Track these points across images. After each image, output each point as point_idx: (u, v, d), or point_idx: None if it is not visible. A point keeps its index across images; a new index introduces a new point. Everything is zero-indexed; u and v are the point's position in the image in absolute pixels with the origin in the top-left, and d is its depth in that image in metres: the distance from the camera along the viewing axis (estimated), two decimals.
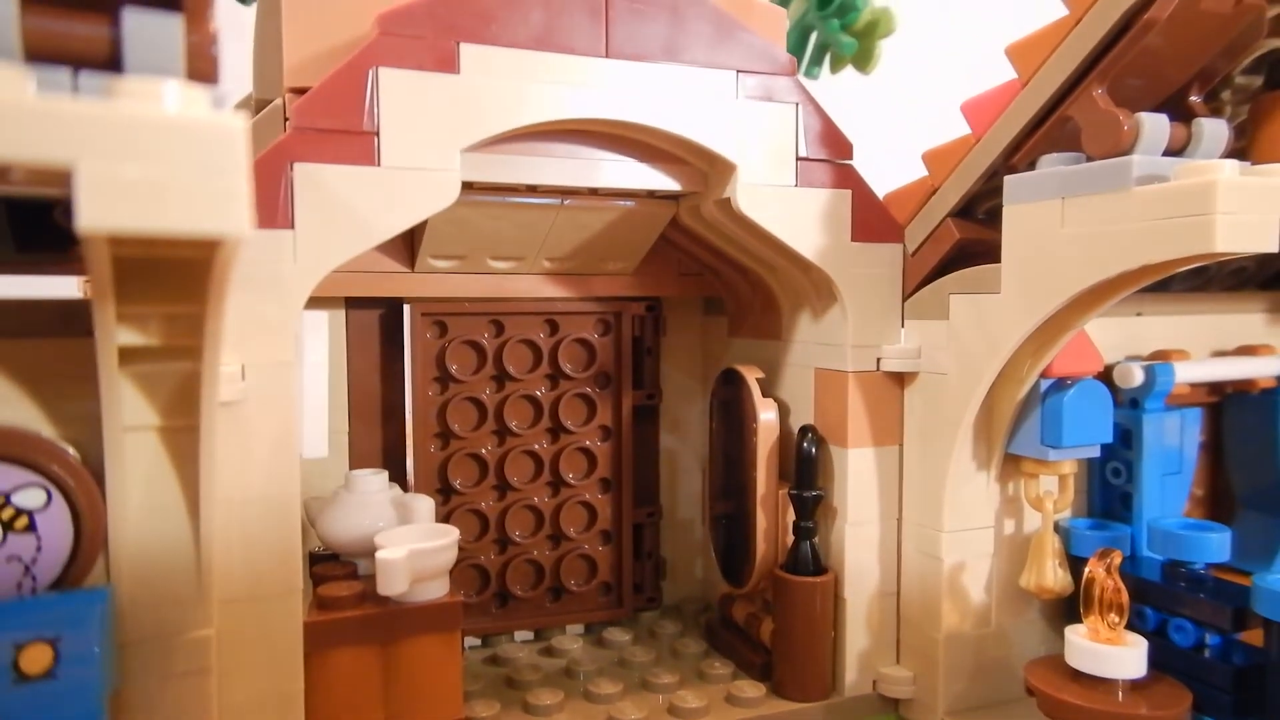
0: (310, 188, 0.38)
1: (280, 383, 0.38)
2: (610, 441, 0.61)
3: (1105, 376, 0.49)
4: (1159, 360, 0.51)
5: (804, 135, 0.47)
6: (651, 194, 0.51)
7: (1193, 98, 0.40)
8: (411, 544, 0.41)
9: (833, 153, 0.48)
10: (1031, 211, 0.42)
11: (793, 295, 0.54)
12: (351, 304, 0.57)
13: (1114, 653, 0.41)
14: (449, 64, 0.40)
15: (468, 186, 0.47)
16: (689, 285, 0.61)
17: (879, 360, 0.50)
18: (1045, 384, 0.45)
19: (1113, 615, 0.42)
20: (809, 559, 0.51)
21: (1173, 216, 0.34)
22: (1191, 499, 0.58)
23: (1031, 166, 0.42)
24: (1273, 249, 0.34)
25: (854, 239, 0.49)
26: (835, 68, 0.85)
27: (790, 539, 0.51)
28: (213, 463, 0.33)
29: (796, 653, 0.50)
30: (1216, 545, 0.44)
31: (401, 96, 0.39)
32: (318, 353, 0.44)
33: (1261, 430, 0.53)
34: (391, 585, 0.40)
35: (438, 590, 0.43)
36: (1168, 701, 0.41)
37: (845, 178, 0.48)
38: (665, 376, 0.65)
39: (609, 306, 0.60)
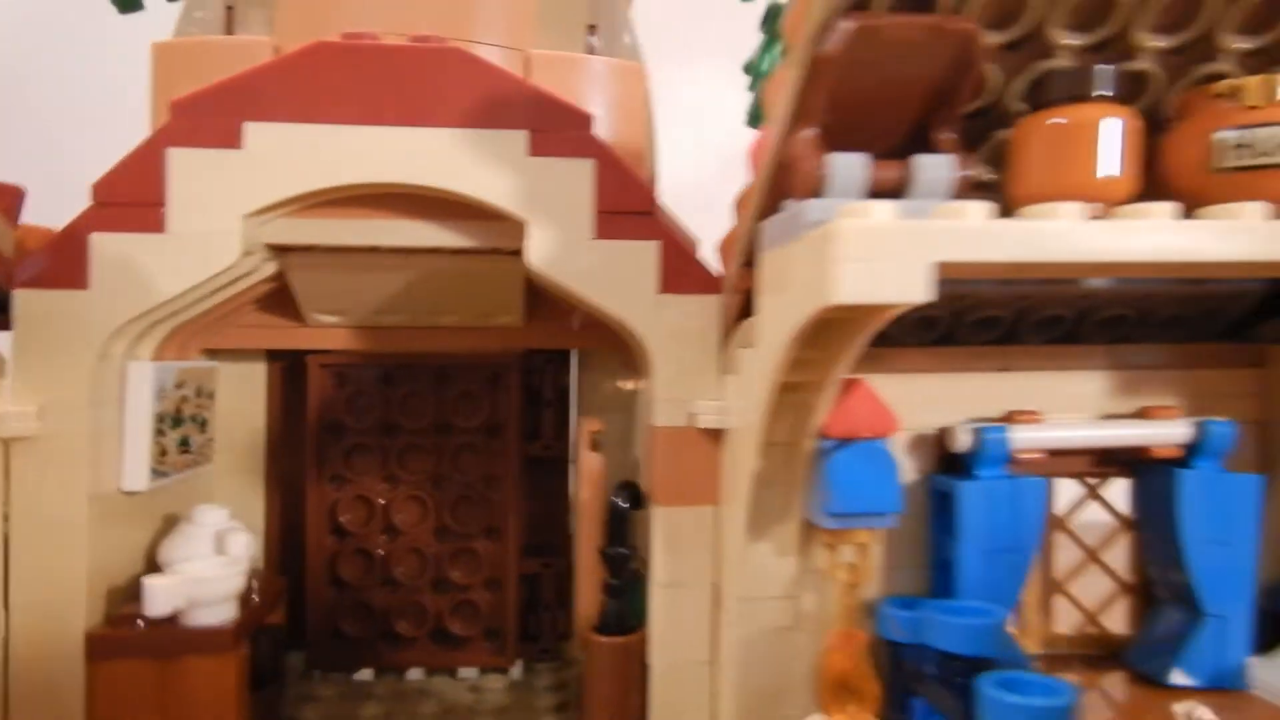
0: (104, 254, 0.44)
1: (75, 422, 0.44)
2: (499, 491, 0.62)
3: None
4: (1014, 421, 0.45)
5: (601, 189, 0.47)
6: (496, 250, 0.53)
7: (940, 133, 0.37)
8: (186, 573, 0.45)
9: (634, 204, 0.47)
10: (769, 259, 0.39)
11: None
12: (271, 355, 0.63)
13: None
14: (233, 141, 0.45)
15: (310, 249, 0.52)
16: (576, 338, 0.62)
17: (694, 416, 0.48)
18: (828, 445, 0.42)
19: (851, 705, 0.38)
20: (614, 618, 0.49)
21: (814, 265, 0.32)
22: (1122, 587, 0.50)
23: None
24: (919, 299, 0.30)
25: (662, 291, 0.48)
26: None
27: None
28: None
29: (600, 714, 0.49)
30: (949, 631, 0.39)
31: (188, 171, 0.44)
32: (142, 398, 0.49)
33: (1159, 508, 0.45)
34: (153, 607, 0.44)
35: (219, 616, 0.46)
36: None
37: (651, 229, 0.48)
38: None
39: (499, 359, 0.62)
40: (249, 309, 0.59)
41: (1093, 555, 0.50)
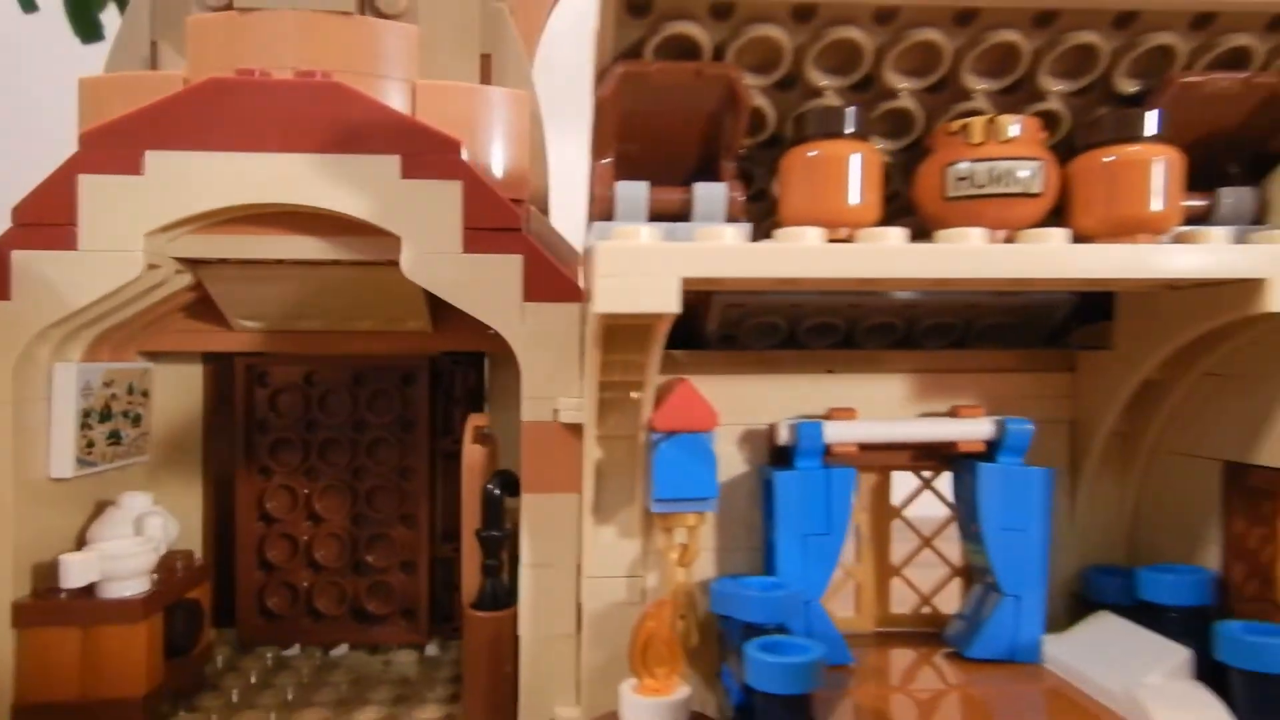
0: (23, 269, 0.50)
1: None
2: (412, 482, 0.68)
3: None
4: (831, 418, 0.49)
5: (469, 208, 0.52)
6: (391, 262, 0.59)
7: (721, 162, 0.41)
8: (101, 550, 0.51)
9: (499, 222, 0.53)
10: (582, 274, 0.44)
11: None
12: (207, 358, 0.69)
13: (646, 704, 0.42)
14: (135, 168, 0.50)
15: (222, 263, 0.58)
16: (487, 341, 0.67)
17: (557, 412, 0.53)
18: (655, 438, 0.47)
19: (660, 669, 0.43)
20: (490, 596, 0.54)
21: (589, 279, 0.37)
22: (954, 571, 0.55)
23: None
24: (669, 310, 0.35)
25: (527, 299, 0.53)
26: None
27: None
28: None
29: (477, 685, 0.54)
30: (750, 604, 0.43)
31: (96, 195, 0.50)
32: (67, 395, 0.55)
33: (967, 498, 0.49)
34: (68, 580, 0.50)
35: (132, 590, 0.52)
36: None
37: (515, 244, 0.53)
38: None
39: (409, 361, 0.67)
40: (180, 315, 0.65)
41: (926, 541, 0.55)
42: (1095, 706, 0.42)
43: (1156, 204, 0.36)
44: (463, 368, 0.69)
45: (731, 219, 0.40)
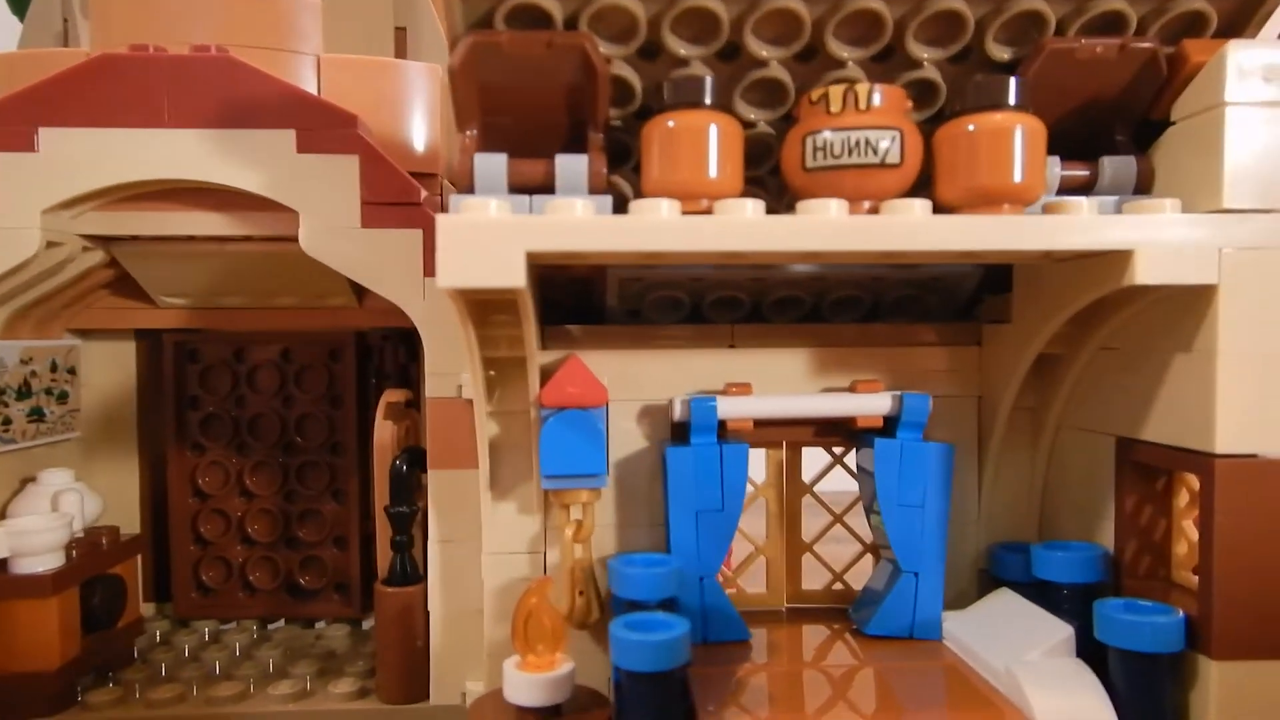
0: None
1: None
2: (342, 457, 0.68)
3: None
4: (730, 394, 0.49)
5: (366, 182, 0.51)
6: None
7: (588, 132, 0.40)
8: (9, 527, 0.51)
9: (398, 196, 0.52)
10: None
11: None
12: (139, 335, 0.69)
13: (525, 680, 0.42)
14: (28, 145, 0.50)
15: (133, 239, 0.58)
16: None
17: (459, 388, 0.53)
18: (545, 414, 0.46)
19: (540, 644, 0.43)
20: (400, 571, 0.54)
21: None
22: (865, 548, 0.54)
23: None
24: (513, 284, 0.35)
25: (429, 274, 0.52)
26: None
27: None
28: None
29: (390, 660, 0.54)
30: (630, 581, 0.43)
31: None
32: None
33: (867, 474, 0.48)
34: None
35: (44, 565, 0.52)
36: None
37: (416, 218, 0.52)
38: None
39: (336, 337, 0.67)
40: (106, 293, 0.65)
41: (837, 518, 0.54)
42: (982, 684, 0.41)
43: (1018, 174, 0.35)
44: (392, 343, 0.69)
45: (596, 191, 0.39)
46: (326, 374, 0.67)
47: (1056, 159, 0.39)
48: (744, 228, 0.35)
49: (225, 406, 0.67)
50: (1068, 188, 0.39)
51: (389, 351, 0.69)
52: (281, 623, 0.68)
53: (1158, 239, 0.35)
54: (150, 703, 0.54)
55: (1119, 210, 0.37)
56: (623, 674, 0.38)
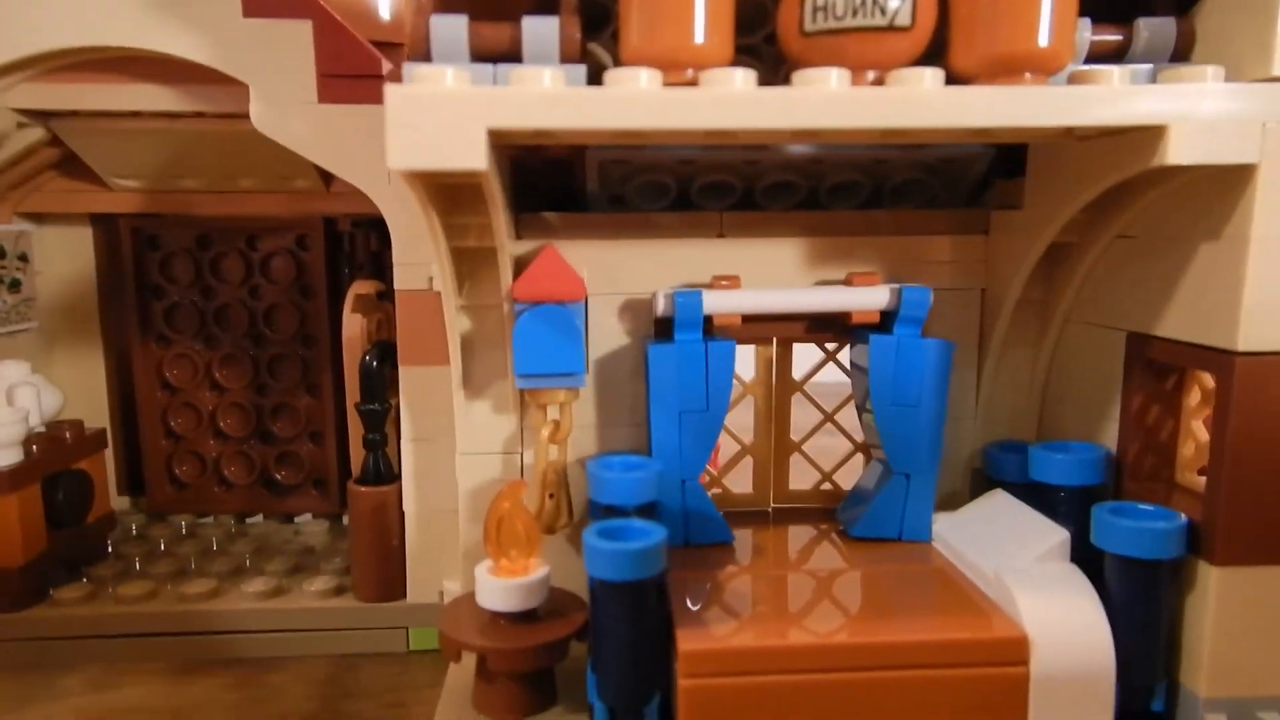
0: None
1: None
2: (314, 350, 0.65)
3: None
4: (717, 287, 0.46)
5: (321, 51, 0.47)
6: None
7: None
8: None
9: (358, 68, 0.47)
10: None
11: None
12: (96, 220, 0.65)
13: (498, 585, 0.40)
14: None
15: (73, 115, 0.53)
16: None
17: (430, 279, 0.49)
18: (519, 309, 0.43)
19: (514, 549, 0.41)
20: (373, 470, 0.53)
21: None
22: (856, 447, 0.52)
23: None
24: (474, 166, 0.31)
25: None
26: None
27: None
28: None
29: (364, 559, 0.53)
30: (606, 486, 0.41)
31: None
32: None
33: (861, 372, 0.46)
34: None
35: (3, 460, 0.50)
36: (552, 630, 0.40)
37: (378, 92, 0.47)
38: None
39: (303, 223, 0.63)
40: (56, 175, 0.60)
41: (828, 416, 0.52)
42: (971, 588, 0.40)
43: (1044, 37, 0.31)
44: (363, 230, 0.65)
45: (568, 60, 0.35)
46: (294, 263, 0.64)
47: (1087, 21, 0.34)
48: (732, 101, 0.31)
49: (190, 296, 0.64)
50: (1098, 54, 0.35)
51: (360, 239, 0.65)
52: (260, 518, 0.67)
53: (1195, 112, 0.31)
54: (121, 599, 0.53)
55: (1154, 79, 0.33)
56: (596, 582, 0.36)
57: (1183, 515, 0.36)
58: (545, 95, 0.31)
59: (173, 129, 0.54)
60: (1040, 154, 0.42)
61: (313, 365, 0.65)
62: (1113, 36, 0.35)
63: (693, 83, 0.33)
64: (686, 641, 0.35)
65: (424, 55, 0.35)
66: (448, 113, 0.30)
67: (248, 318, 0.64)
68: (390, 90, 0.30)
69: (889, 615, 0.38)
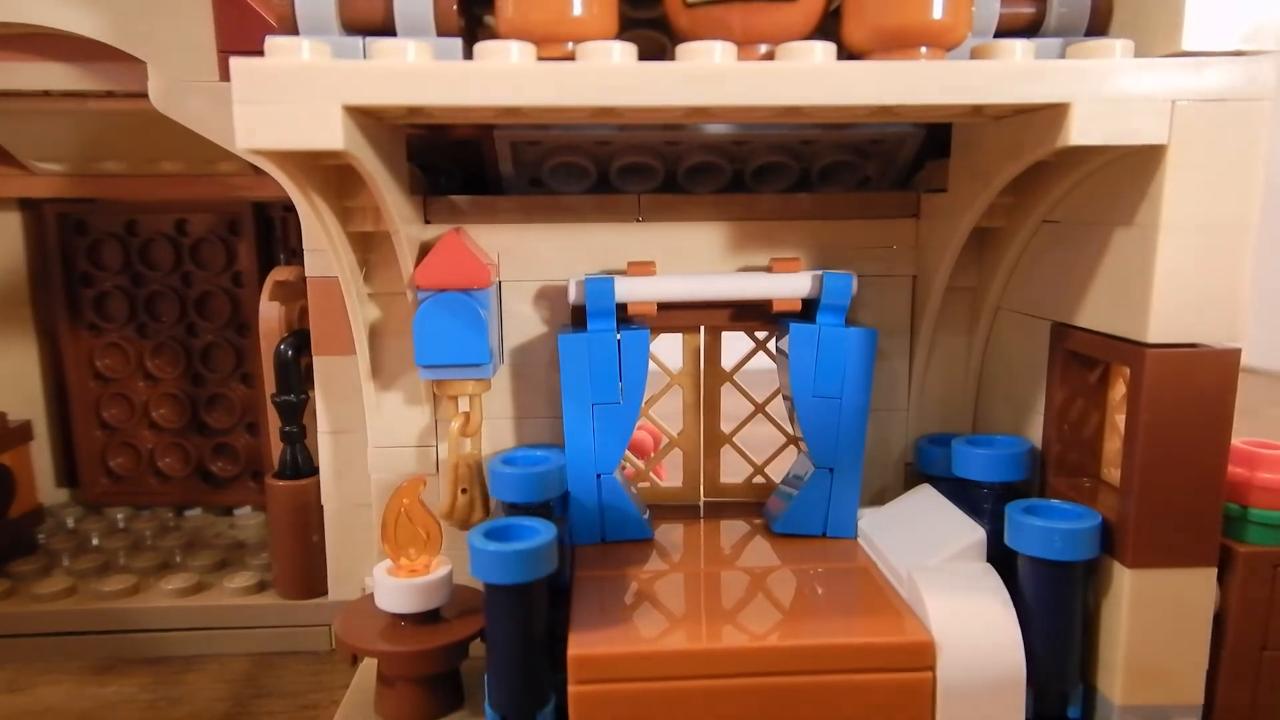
0: None
1: None
2: (249, 338, 0.63)
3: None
4: (631, 273, 0.44)
5: (223, 28, 0.45)
6: None
7: None
8: None
9: (261, 44, 0.45)
10: None
11: None
12: (24, 206, 0.64)
13: (396, 585, 0.39)
14: None
15: None
16: None
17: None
18: (422, 296, 0.42)
19: (412, 548, 0.39)
20: (291, 464, 0.51)
21: None
22: (789, 439, 0.50)
23: None
24: (331, 145, 0.29)
25: None
26: None
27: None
28: None
29: (284, 554, 0.52)
30: (505, 482, 0.39)
31: None
32: None
33: (783, 362, 0.44)
34: None
35: None
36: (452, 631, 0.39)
37: None
38: None
39: (232, 208, 0.61)
40: None
41: (759, 408, 0.50)
42: (887, 587, 0.38)
43: (937, 10, 0.29)
44: (295, 215, 0.63)
45: (446, 33, 0.33)
46: (225, 249, 0.62)
47: None
48: (605, 77, 0.29)
49: (119, 283, 0.63)
50: (1009, 28, 0.33)
51: (293, 225, 0.63)
52: (199, 510, 0.66)
53: (1099, 90, 0.29)
54: (37, 597, 0.52)
55: (1063, 55, 0.31)
56: (485, 585, 0.35)
57: (1101, 514, 0.34)
58: (405, 70, 0.29)
59: (85, 109, 0.52)
60: (963, 134, 0.40)
61: (247, 355, 0.63)
62: (1025, 9, 0.33)
63: (570, 57, 0.31)
64: (578, 646, 0.34)
65: (291, 28, 0.33)
66: (300, 88, 0.29)
67: (179, 306, 0.63)
68: (236, 64, 0.29)
69: (796, 617, 0.37)
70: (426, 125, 0.43)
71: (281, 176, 0.36)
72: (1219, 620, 0.34)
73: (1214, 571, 0.33)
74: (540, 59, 0.30)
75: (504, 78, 0.29)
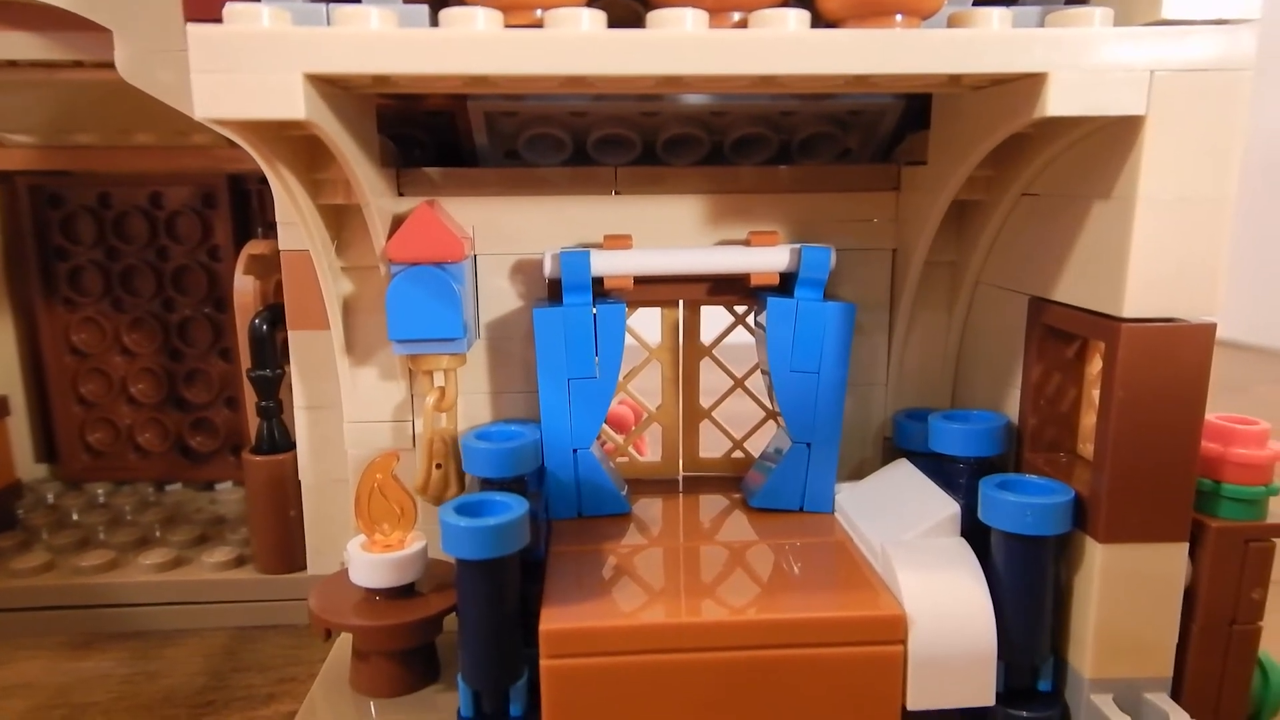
0: None
1: None
2: (226, 313, 0.63)
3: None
4: (607, 247, 0.43)
5: None
6: None
7: None
8: None
9: None
10: None
11: None
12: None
13: (370, 560, 0.39)
14: None
15: None
16: None
17: None
18: (395, 270, 0.41)
19: (385, 523, 0.39)
20: (268, 439, 0.51)
21: None
22: (768, 414, 0.50)
23: None
24: (292, 115, 0.28)
25: None
26: None
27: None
28: None
29: (262, 529, 0.51)
30: (478, 457, 0.39)
31: None
32: None
33: (759, 335, 0.44)
34: None
35: None
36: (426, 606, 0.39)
37: None
38: None
39: (208, 180, 0.60)
40: None
41: (739, 383, 0.50)
42: (863, 562, 0.38)
43: None
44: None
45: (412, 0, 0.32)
46: (200, 222, 0.61)
47: None
48: (570, 45, 0.28)
49: (94, 257, 0.62)
50: None
51: (268, 197, 0.62)
52: (179, 485, 0.66)
53: (1076, 59, 0.28)
54: (14, 572, 0.51)
55: (1042, 23, 0.30)
56: (457, 561, 0.35)
57: (1074, 490, 0.34)
58: (368, 37, 0.28)
59: (53, 79, 0.51)
60: (943, 104, 0.40)
61: (224, 329, 0.63)
62: None
63: (539, 24, 0.30)
64: (549, 621, 0.34)
65: None
66: (260, 56, 0.28)
67: (155, 280, 0.62)
68: (194, 31, 0.28)
69: (770, 592, 0.37)
70: (398, 96, 0.42)
71: (248, 148, 0.35)
72: (1190, 595, 0.35)
73: (1185, 546, 0.33)
74: (507, 26, 0.30)
75: (469, 46, 0.28)
